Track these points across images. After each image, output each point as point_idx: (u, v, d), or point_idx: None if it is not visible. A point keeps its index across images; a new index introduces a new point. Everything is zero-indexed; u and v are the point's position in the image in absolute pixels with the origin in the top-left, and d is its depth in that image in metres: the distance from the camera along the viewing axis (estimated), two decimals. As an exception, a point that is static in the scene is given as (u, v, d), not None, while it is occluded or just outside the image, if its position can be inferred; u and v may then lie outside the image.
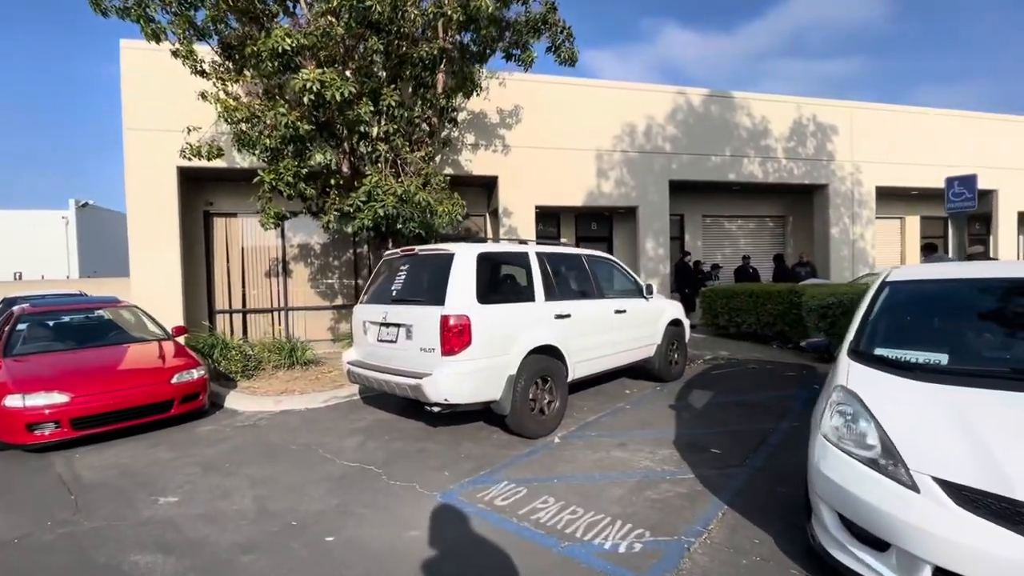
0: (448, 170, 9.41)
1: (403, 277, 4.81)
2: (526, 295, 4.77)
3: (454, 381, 4.11)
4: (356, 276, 10.68)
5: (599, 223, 12.59)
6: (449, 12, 6.31)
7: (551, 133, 10.52)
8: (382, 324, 4.79)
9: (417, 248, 4.86)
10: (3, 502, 3.62)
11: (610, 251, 12.05)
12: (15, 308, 6.13)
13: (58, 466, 4.25)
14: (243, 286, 10.17)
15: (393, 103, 6.38)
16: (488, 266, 4.59)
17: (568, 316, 4.97)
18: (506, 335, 4.43)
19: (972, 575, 1.91)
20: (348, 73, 6.32)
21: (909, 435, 2.29)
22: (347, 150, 7.00)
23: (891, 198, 13.81)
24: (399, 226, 6.50)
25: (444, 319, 4.14)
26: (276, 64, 5.97)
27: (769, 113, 12.10)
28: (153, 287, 8.40)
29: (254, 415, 5.62)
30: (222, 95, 6.74)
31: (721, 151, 11.79)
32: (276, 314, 10.30)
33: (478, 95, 8.15)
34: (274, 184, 6.62)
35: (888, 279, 3.47)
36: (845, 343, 3.05)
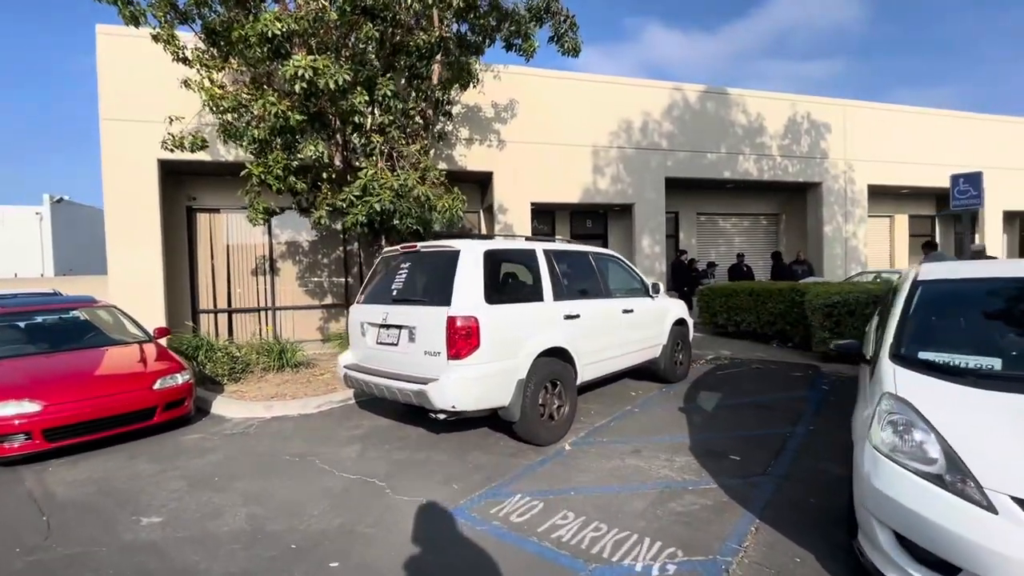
0: (442, 165, 9.12)
1: (404, 276, 4.54)
2: (534, 295, 4.54)
3: (461, 387, 3.86)
4: (346, 274, 10.34)
5: (594, 220, 12.40)
6: (448, -3, 6.03)
7: (547, 128, 10.29)
8: (382, 326, 4.51)
9: (419, 245, 4.59)
10: (-34, 525, 3.27)
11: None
12: (-19, 309, 5.70)
13: (28, 482, 3.90)
14: (228, 285, 9.75)
15: (389, 93, 6.07)
16: (495, 264, 4.34)
17: (577, 316, 4.75)
18: (515, 337, 4.19)
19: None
20: (341, 61, 6.00)
21: (976, 448, 2.11)
22: (340, 142, 6.68)
23: (880, 197, 13.88)
24: (395, 222, 6.21)
25: (450, 321, 3.89)
26: (265, 50, 5.63)
27: (764, 110, 12.04)
28: (132, 286, 7.97)
29: (243, 422, 5.30)
30: (207, 83, 6.37)
31: (717, 148, 11.69)
32: (263, 314, 9.91)
33: (474, 87, 7.87)
34: (263, 178, 6.28)
35: (920, 278, 3.30)
36: (884, 346, 2.88)
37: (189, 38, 6.81)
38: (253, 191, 6.56)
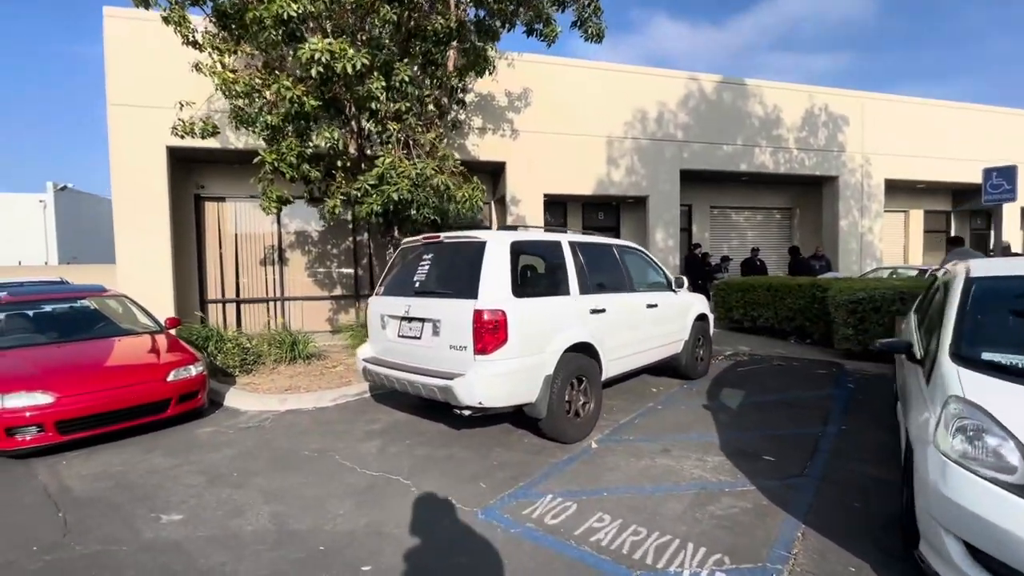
0: (455, 155, 8.96)
1: (427, 267, 4.39)
2: (560, 288, 4.39)
3: (489, 383, 3.73)
4: (355, 265, 10.21)
5: (606, 213, 12.23)
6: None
7: (561, 118, 10.09)
8: (403, 318, 4.38)
9: (442, 235, 4.44)
10: (-20, 520, 3.17)
11: (618, 242, 11.70)
12: (-9, 297, 5.58)
13: (42, 475, 3.80)
14: (236, 275, 9.63)
15: (406, 78, 5.89)
16: (521, 256, 4.20)
17: (603, 311, 4.61)
18: (542, 332, 4.06)
19: None
20: (358, 45, 5.82)
21: (1060, 456, 1.98)
22: (354, 130, 6.51)
23: (896, 191, 13.67)
24: (412, 212, 6.05)
25: (477, 314, 3.75)
26: (280, 32, 5.45)
27: (781, 102, 11.81)
28: (141, 275, 7.86)
29: (258, 415, 5.19)
30: (219, 67, 6.19)
31: (733, 140, 11.48)
32: (272, 304, 9.80)
33: (490, 74, 7.68)
34: (276, 165, 6.12)
35: (973, 275, 3.14)
36: (943, 346, 2.73)
37: (199, 21, 6.63)
38: (266, 179, 6.40)
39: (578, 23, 6.89)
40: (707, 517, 3.02)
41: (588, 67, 10.42)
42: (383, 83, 5.79)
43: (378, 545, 2.78)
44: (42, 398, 4.06)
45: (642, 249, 5.92)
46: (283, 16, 5.24)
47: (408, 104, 6.22)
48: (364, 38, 6.13)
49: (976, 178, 7.30)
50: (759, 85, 11.69)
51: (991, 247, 6.66)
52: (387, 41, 6.38)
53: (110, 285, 7.07)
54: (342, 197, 6.32)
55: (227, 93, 6.00)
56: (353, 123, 6.50)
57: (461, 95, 7.84)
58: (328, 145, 6.06)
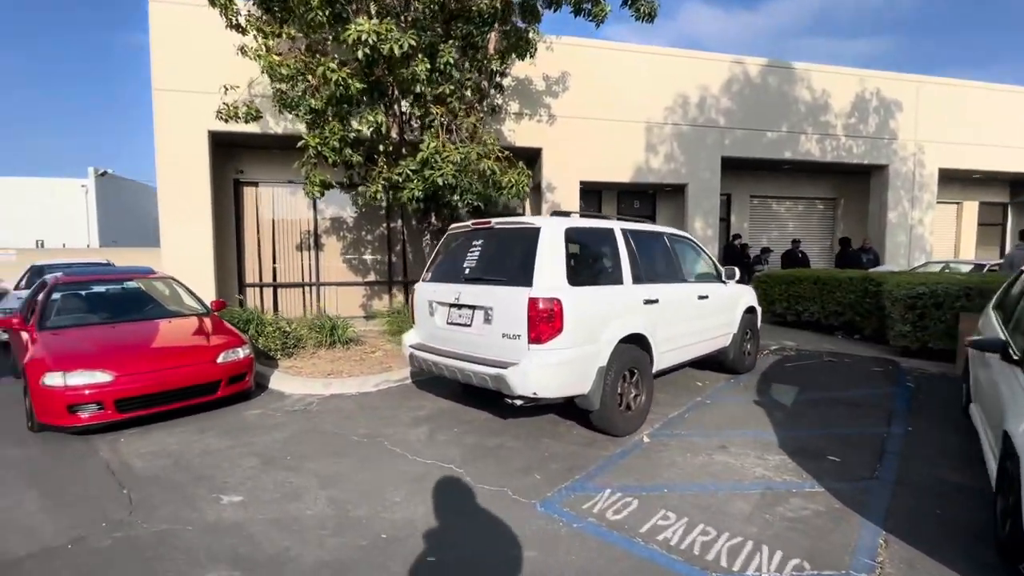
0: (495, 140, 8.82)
1: (477, 254, 4.30)
2: (614, 277, 4.26)
3: (543, 373, 3.64)
4: (390, 252, 10.22)
5: (642, 201, 11.95)
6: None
7: (599, 103, 9.83)
8: (453, 305, 4.31)
9: (493, 221, 4.34)
10: (49, 494, 3.24)
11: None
12: (48, 277, 5.74)
13: (103, 452, 3.88)
14: (273, 259, 9.75)
15: (451, 61, 5.77)
16: (575, 243, 4.07)
17: (656, 301, 4.46)
18: (596, 321, 3.94)
19: None
20: (403, 27, 5.71)
21: None
22: (396, 113, 6.43)
23: (948, 181, 12.98)
24: (455, 198, 5.96)
25: (532, 302, 3.65)
26: (327, 13, 5.38)
27: (829, 86, 11.26)
28: (185, 258, 7.99)
29: (303, 399, 5.23)
30: (263, 50, 6.17)
31: (777, 127, 11.03)
32: (307, 289, 9.89)
33: (531, 57, 7.48)
34: (319, 149, 6.09)
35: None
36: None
37: (242, 4, 6.62)
38: (309, 163, 6.39)
39: (628, 1, 6.62)
40: (778, 519, 2.88)
41: (629, 50, 10.12)
42: (427, 65, 5.68)
43: (441, 535, 2.73)
44: (102, 376, 4.14)
45: (692, 238, 5.73)
46: (329, -3, 5.16)
47: (452, 87, 6.11)
48: (408, 19, 6.01)
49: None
50: (807, 69, 11.17)
51: None
52: (431, 22, 6.26)
53: (155, 268, 7.22)
54: (383, 182, 6.27)
55: (273, 76, 5.98)
56: (395, 107, 6.42)
57: (500, 79, 7.68)
58: (371, 129, 6.00)
